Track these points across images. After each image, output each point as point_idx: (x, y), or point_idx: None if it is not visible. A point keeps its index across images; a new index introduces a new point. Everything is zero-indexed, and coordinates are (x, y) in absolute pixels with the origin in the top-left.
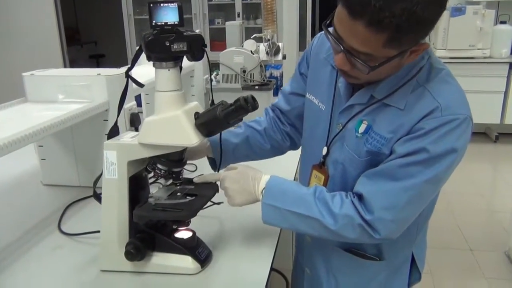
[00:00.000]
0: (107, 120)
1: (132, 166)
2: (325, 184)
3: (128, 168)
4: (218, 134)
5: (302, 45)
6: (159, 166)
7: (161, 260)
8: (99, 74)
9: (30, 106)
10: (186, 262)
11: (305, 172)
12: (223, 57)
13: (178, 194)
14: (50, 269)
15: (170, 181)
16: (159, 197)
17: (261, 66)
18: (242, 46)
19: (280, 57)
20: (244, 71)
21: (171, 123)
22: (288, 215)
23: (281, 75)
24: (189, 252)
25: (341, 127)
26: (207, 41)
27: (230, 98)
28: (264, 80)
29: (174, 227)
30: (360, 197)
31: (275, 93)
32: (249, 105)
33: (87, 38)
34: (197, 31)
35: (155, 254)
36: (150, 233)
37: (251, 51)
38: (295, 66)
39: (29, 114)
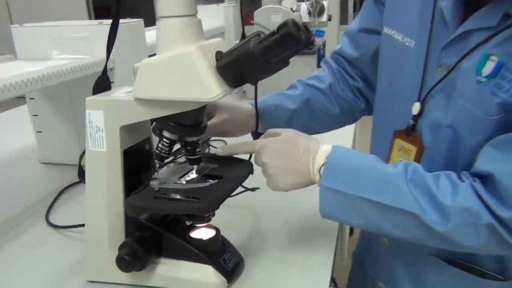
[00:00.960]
0: (114, 83)
1: (127, 134)
2: (417, 160)
3: (121, 136)
4: (267, 99)
5: (343, 7)
6: (165, 134)
7: (171, 270)
8: (101, 23)
9: (17, 64)
10: (206, 274)
11: (380, 145)
12: (258, 16)
13: (195, 175)
14: (22, 275)
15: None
16: (166, 179)
17: None
18: (281, 4)
19: (324, 18)
20: None
21: (179, 65)
22: (362, 207)
23: (324, 44)
24: (211, 260)
25: (444, 71)
26: None
27: None
28: None
29: (189, 223)
30: (487, 180)
31: (318, 64)
32: (301, 33)
33: None
34: None
35: (162, 261)
36: (155, 230)
37: (291, 8)
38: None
39: (13, 71)
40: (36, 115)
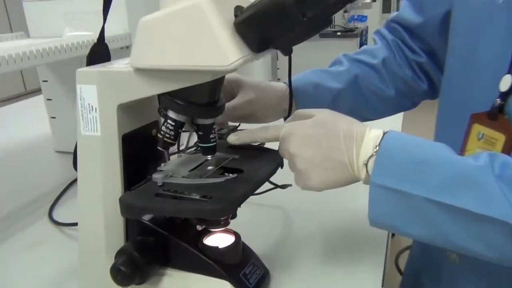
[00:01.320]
0: None
1: (127, 115)
2: (505, 152)
3: (120, 117)
4: (304, 76)
5: None
6: (171, 115)
7: (178, 285)
8: None
9: (28, 42)
10: None
11: (449, 134)
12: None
13: (209, 167)
14: (17, 276)
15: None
16: (173, 171)
17: (345, 10)
18: None
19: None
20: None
21: (186, 21)
22: (430, 213)
23: (366, 30)
24: (228, 274)
25: None
26: None
27: (305, 49)
28: (348, 25)
29: (200, 228)
30: None
31: None
32: None
33: None
34: None
35: (169, 273)
36: (161, 235)
37: None
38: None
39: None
40: (50, 99)
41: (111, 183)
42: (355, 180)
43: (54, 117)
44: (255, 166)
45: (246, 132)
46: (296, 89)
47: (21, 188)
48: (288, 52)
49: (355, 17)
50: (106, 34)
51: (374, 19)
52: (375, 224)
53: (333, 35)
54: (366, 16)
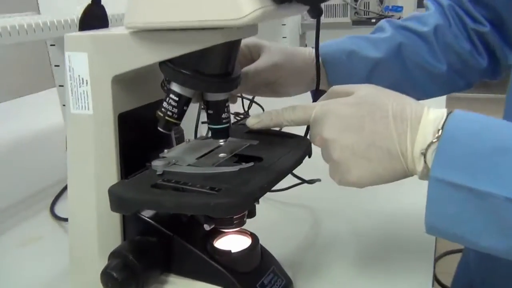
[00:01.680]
0: None
1: (125, 91)
2: None
3: (115, 92)
4: (338, 42)
5: None
6: (174, 88)
7: None
8: None
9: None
10: None
11: None
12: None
13: (221, 155)
14: (8, 272)
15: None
16: (178, 158)
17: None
18: None
19: None
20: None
21: None
22: None
23: None
24: (243, 283)
25: None
26: None
27: (335, 36)
28: (383, 13)
29: (208, 227)
30: None
31: None
32: None
33: None
34: None
35: (172, 280)
36: (163, 234)
37: None
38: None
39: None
40: (62, 86)
41: (105, 171)
42: (407, 174)
43: (65, 105)
44: (276, 153)
45: (269, 113)
46: (325, 56)
47: (27, 180)
48: (317, 10)
49: (390, 7)
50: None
51: (410, 12)
52: (434, 231)
53: (367, 22)
54: (401, 7)
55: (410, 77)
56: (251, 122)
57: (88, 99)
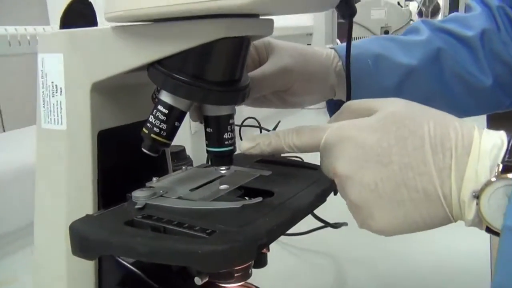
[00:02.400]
0: None
1: (108, 103)
2: None
3: (95, 104)
4: (364, 43)
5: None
6: (164, 98)
7: None
8: None
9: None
10: None
11: None
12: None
13: (223, 187)
14: None
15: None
16: (168, 189)
17: None
18: None
19: (440, 17)
20: (387, 32)
21: None
22: None
23: None
24: None
25: None
26: None
27: None
28: None
29: (200, 282)
30: None
31: None
32: None
33: None
34: None
35: None
36: (148, 286)
37: (398, 2)
38: None
39: None
40: None
41: (79, 202)
42: (449, 220)
43: None
44: (292, 188)
45: (267, 136)
46: (345, 59)
47: (6, 215)
48: (349, 8)
49: None
50: None
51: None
52: None
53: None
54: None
55: (446, 90)
56: (245, 147)
57: (62, 112)
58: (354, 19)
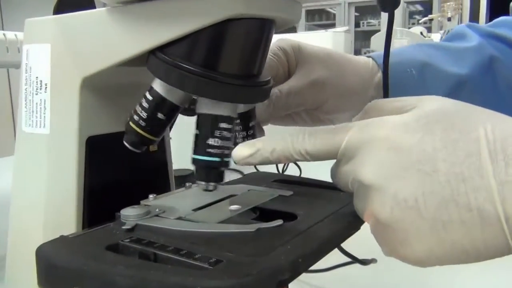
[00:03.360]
0: None
1: (101, 105)
2: None
3: (85, 104)
4: (404, 51)
5: None
6: (156, 87)
7: None
8: None
9: None
10: None
11: None
12: (376, 41)
13: (233, 207)
14: None
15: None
16: (164, 208)
17: None
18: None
19: None
20: None
21: None
22: None
23: None
24: None
25: None
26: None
27: None
28: None
29: None
30: None
31: None
32: None
33: None
34: None
35: None
36: None
37: (421, 32)
38: None
39: None
40: None
41: (61, 219)
42: (510, 250)
43: None
44: (320, 211)
45: (270, 141)
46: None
47: None
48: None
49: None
50: None
51: None
52: None
53: None
54: None
55: (501, 102)
56: (240, 154)
57: (46, 112)
58: (375, 47)
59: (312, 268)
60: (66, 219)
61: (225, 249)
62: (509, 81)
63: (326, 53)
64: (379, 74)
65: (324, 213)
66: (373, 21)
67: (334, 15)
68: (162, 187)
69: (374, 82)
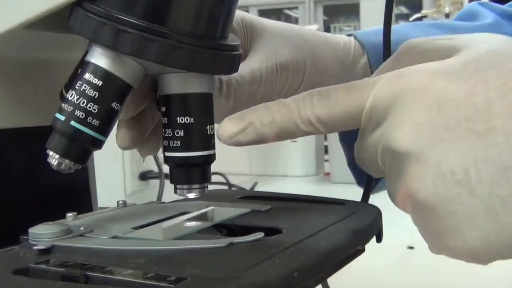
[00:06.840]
0: None
1: (2, 88)
2: None
3: None
4: (399, 28)
5: None
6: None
7: None
8: None
9: None
10: None
11: None
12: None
13: (189, 223)
14: None
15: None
16: (92, 226)
17: None
18: None
19: None
20: None
21: None
22: None
23: None
24: None
25: None
26: None
27: None
28: None
29: None
30: None
31: None
32: None
33: None
34: None
35: None
36: None
37: None
38: None
39: None
40: None
41: None
42: None
43: None
44: (312, 224)
45: (266, 109)
46: (374, 52)
47: None
48: None
49: None
50: None
51: None
52: None
53: None
54: None
55: None
56: (228, 131)
57: None
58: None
59: None
60: None
61: (188, 266)
62: None
63: (295, 32)
64: (365, 59)
65: (318, 226)
66: (347, 28)
67: (297, 19)
68: (83, 203)
69: (359, 67)
